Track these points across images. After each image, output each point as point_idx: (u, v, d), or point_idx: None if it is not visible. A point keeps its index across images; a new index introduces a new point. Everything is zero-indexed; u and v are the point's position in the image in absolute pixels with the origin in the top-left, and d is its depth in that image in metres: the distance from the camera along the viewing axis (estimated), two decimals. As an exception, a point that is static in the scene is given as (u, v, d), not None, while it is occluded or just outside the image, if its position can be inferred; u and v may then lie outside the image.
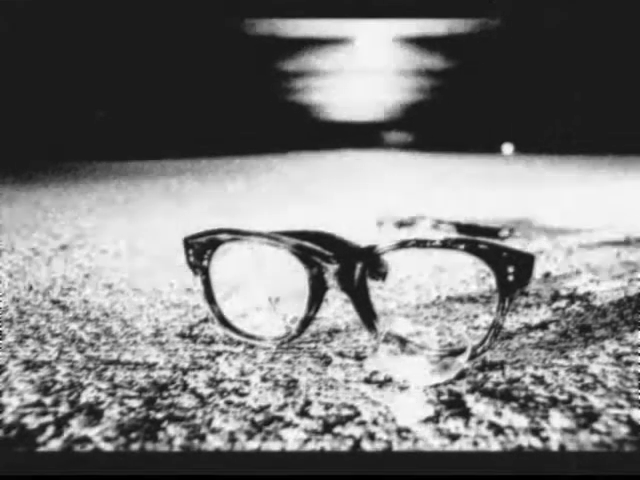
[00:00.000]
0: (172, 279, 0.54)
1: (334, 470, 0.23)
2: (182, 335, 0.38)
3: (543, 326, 0.37)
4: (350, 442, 0.24)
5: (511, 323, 0.38)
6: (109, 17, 4.15)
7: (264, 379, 0.30)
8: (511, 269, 0.28)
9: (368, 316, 0.32)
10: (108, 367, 0.32)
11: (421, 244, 0.29)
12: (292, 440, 0.24)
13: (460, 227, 0.73)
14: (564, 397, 0.27)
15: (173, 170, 2.60)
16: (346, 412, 0.26)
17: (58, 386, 0.30)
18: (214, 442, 0.24)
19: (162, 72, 5.03)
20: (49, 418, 0.26)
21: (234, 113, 5.62)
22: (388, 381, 0.29)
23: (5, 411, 0.27)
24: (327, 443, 0.24)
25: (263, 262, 0.41)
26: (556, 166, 2.55)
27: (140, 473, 0.23)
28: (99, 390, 0.29)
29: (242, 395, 0.28)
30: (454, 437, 0.24)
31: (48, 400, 0.28)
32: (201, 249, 0.35)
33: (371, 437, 0.24)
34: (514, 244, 0.67)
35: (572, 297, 0.44)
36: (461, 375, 0.30)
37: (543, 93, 5.17)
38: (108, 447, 0.24)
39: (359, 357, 0.33)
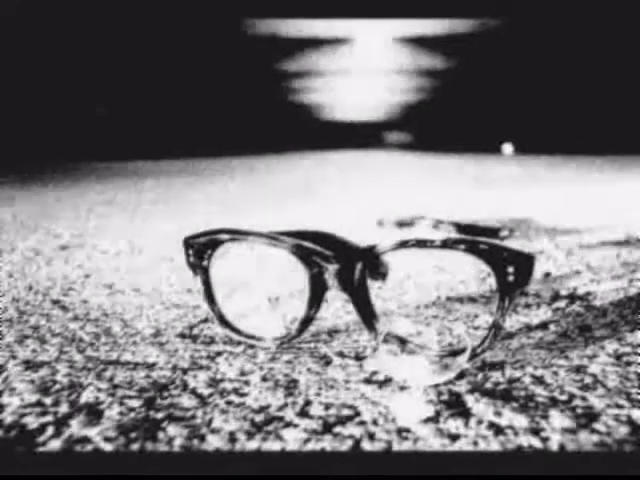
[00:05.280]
0: (172, 279, 0.54)
1: (334, 470, 0.22)
2: (182, 335, 0.38)
3: (543, 326, 0.37)
4: (350, 442, 0.24)
5: (511, 323, 0.38)
6: (109, 18, 4.15)
7: (264, 379, 0.30)
8: (511, 269, 0.28)
9: (368, 316, 0.32)
10: (108, 367, 0.32)
11: (421, 244, 0.29)
12: (292, 440, 0.24)
13: (460, 227, 0.73)
14: (564, 397, 0.27)
15: (173, 170, 2.60)
16: (346, 412, 0.26)
17: (58, 386, 0.30)
18: (214, 442, 0.24)
19: (162, 72, 5.03)
20: (49, 418, 0.26)
21: (233, 113, 5.62)
22: (388, 381, 0.29)
23: (5, 411, 0.27)
24: (327, 443, 0.24)
25: (263, 262, 0.41)
26: (556, 166, 2.55)
27: (140, 473, 0.23)
28: (99, 390, 0.29)
29: (242, 395, 0.28)
30: (454, 437, 0.24)
31: (48, 400, 0.28)
32: (201, 249, 0.35)
33: (371, 437, 0.24)
34: (514, 244, 0.67)
35: (572, 297, 0.44)
36: (461, 375, 0.30)
37: (543, 93, 5.17)
38: (108, 447, 0.24)
39: (359, 357, 0.33)
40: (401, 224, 0.80)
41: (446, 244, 0.29)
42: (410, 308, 0.43)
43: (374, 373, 0.30)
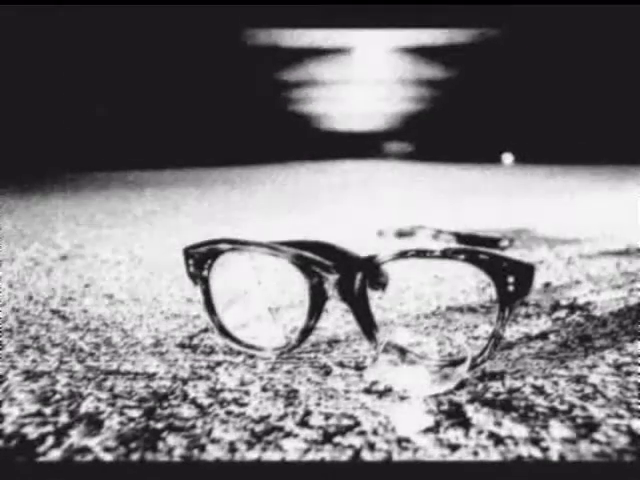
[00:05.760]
0: (172, 289, 0.54)
1: (334, 480, 0.22)
2: (182, 345, 0.38)
3: (543, 336, 0.37)
4: (350, 452, 0.24)
5: (511, 333, 0.38)
6: (109, 30, 4.17)
7: (264, 389, 0.30)
8: (511, 279, 0.28)
9: (368, 326, 0.32)
10: (108, 377, 0.32)
11: (421, 254, 0.29)
12: (292, 450, 0.24)
13: (460, 237, 0.73)
14: (564, 407, 0.27)
15: (173, 180, 2.61)
16: (346, 422, 0.26)
17: (58, 396, 0.30)
18: (214, 452, 0.24)
19: (162, 83, 5.05)
20: (49, 428, 0.26)
21: (234, 123, 5.63)
22: (388, 391, 0.29)
23: (5, 421, 0.27)
24: (327, 453, 0.24)
25: (263, 272, 0.41)
26: (556, 176, 2.55)
27: (140, 483, 0.23)
28: (99, 400, 0.29)
29: (242, 405, 0.28)
30: (454, 447, 0.24)
31: (48, 410, 0.28)
32: (201, 259, 0.35)
33: (371, 447, 0.24)
34: (514, 254, 0.67)
35: (572, 307, 0.44)
36: (461, 385, 0.30)
37: (543, 103, 5.19)
38: (108, 457, 0.24)
39: (359, 367, 0.33)
40: (401, 234, 0.80)
41: (446, 254, 0.29)
42: (410, 318, 0.43)
43: (374, 383, 0.30)
